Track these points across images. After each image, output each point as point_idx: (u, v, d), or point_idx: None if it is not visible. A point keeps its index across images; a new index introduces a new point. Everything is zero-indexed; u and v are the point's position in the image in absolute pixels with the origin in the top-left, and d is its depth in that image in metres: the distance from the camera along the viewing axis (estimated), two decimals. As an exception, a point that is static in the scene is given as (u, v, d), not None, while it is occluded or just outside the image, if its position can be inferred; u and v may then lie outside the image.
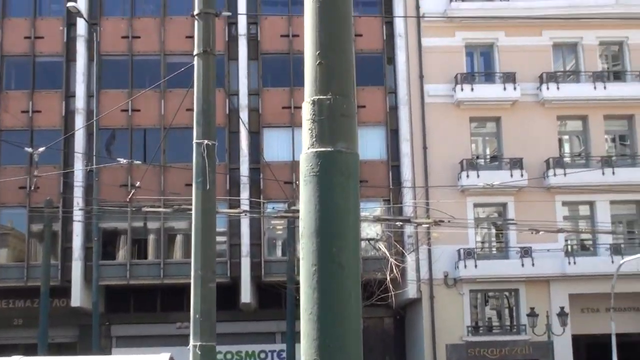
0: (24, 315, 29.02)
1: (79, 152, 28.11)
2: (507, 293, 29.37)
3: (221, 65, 27.70)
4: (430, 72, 29.51)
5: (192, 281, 8.63)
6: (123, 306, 29.79)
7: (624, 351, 27.60)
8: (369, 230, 26.26)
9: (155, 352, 15.33)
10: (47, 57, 29.69)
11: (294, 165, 27.98)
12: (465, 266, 27.88)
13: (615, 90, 29.56)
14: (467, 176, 28.23)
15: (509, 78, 29.25)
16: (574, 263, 27.98)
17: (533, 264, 27.82)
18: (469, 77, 29.62)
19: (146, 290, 29.38)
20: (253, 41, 29.77)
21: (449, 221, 17.72)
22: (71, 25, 29.51)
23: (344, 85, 3.40)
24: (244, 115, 28.71)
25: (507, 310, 29.51)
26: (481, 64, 30.57)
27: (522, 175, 28.09)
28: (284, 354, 26.91)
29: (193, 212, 8.84)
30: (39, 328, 23.94)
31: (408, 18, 29.23)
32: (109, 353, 28.38)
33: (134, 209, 21.31)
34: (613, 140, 30.92)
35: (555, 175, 28.16)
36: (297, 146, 28.27)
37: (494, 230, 30.54)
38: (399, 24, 29.68)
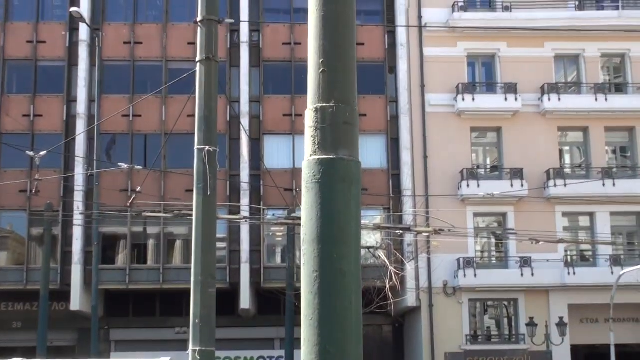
0: (23, 319, 29.02)
1: (79, 156, 28.15)
2: (506, 302, 29.36)
3: (223, 72, 27.74)
4: (431, 81, 29.57)
5: (192, 286, 8.66)
6: (122, 310, 29.79)
7: (622, 362, 27.61)
8: (369, 238, 26.27)
9: (153, 357, 15.33)
10: (49, 62, 29.74)
11: (294, 173, 28.01)
12: (464, 275, 27.88)
13: (616, 102, 29.60)
14: (468, 186, 28.26)
15: (511, 89, 29.30)
16: (574, 273, 27.98)
17: (532, 274, 27.82)
18: (470, 87, 29.67)
19: (145, 295, 29.38)
20: (255, 48, 29.83)
21: (449, 230, 17.73)
22: (74, 30, 29.58)
23: (346, 93, 3.43)
24: (244, 122, 28.75)
25: (506, 320, 29.50)
26: (483, 74, 30.64)
27: (522, 186, 28.11)
28: (282, 361, 26.90)
29: (194, 217, 8.87)
30: (38, 331, 23.94)
31: (410, 28, 29.30)
32: (108, 357, 28.39)
33: (134, 213, 21.33)
34: (614, 151, 30.95)
35: (555, 186, 28.19)
36: (298, 153, 28.31)
37: (493, 240, 30.55)
38: (401, 34, 29.75)
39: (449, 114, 29.37)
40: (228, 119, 28.82)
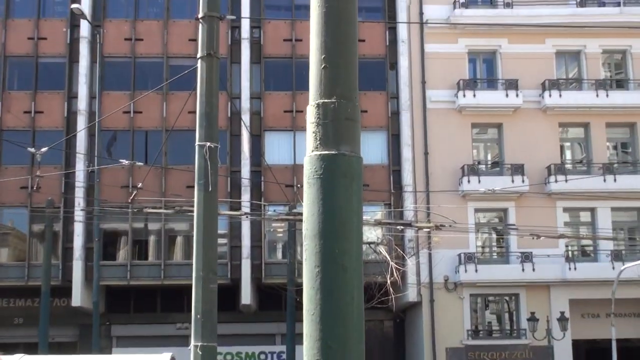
0: (25, 315, 29.07)
1: (80, 152, 28.16)
2: (507, 297, 29.39)
3: (224, 68, 27.73)
4: (432, 77, 29.57)
5: (193, 282, 8.68)
6: (123, 306, 29.83)
7: (623, 357, 27.63)
8: (370, 233, 26.29)
9: (154, 353, 15.36)
10: (50, 58, 29.73)
11: (295, 169, 28.02)
12: (465, 270, 27.90)
13: (617, 98, 29.60)
14: (469, 181, 28.27)
15: (512, 85, 29.29)
16: (575, 269, 28.01)
17: (533, 269, 27.85)
18: (471, 84, 29.66)
19: (146, 291, 29.42)
20: (256, 45, 29.82)
21: (449, 226, 17.75)
22: (74, 27, 29.57)
23: (348, 89, 3.44)
24: (245, 118, 28.75)
25: (507, 315, 29.53)
26: (484, 71, 30.63)
27: (523, 181, 28.11)
28: (284, 356, 26.95)
29: (195, 213, 8.89)
30: (40, 327, 23.98)
31: (411, 24, 29.29)
32: (109, 353, 28.41)
33: (135, 210, 21.36)
34: (615, 147, 30.96)
35: (556, 181, 28.20)
36: (299, 149, 28.32)
37: (494, 235, 30.57)
38: (402, 30, 29.74)
39: (450, 110, 29.37)
40: (229, 115, 28.82)
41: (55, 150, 23.84)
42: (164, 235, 28.60)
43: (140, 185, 18.52)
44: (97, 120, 26.50)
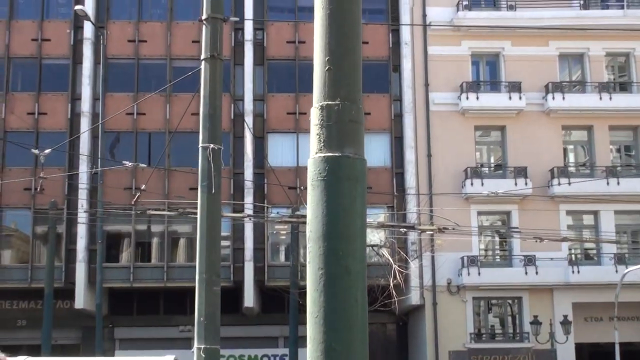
0: (28, 317, 29.07)
1: (84, 154, 28.18)
2: (510, 301, 29.35)
3: (227, 70, 27.73)
4: (435, 80, 29.56)
5: (196, 284, 8.67)
6: (126, 309, 29.83)
7: (626, 360, 27.60)
8: (373, 236, 26.28)
9: (157, 355, 15.36)
10: (53, 60, 29.77)
11: (298, 171, 28.02)
12: (468, 273, 27.87)
13: (621, 101, 29.56)
14: (472, 184, 28.25)
15: (515, 87, 29.27)
16: (578, 272, 27.97)
17: (537, 273, 27.81)
18: (474, 86, 29.65)
19: (149, 293, 29.42)
20: (259, 47, 29.83)
21: (452, 228, 17.73)
22: (78, 28, 29.61)
23: (352, 92, 3.44)
24: (249, 120, 28.76)
25: (510, 318, 29.49)
26: (487, 73, 30.61)
27: (526, 184, 28.09)
28: (287, 359, 26.92)
29: (198, 215, 8.88)
30: (43, 329, 23.99)
31: (414, 26, 29.28)
32: (112, 355, 28.42)
33: (138, 211, 21.37)
34: (618, 150, 30.92)
35: (559, 184, 28.16)
36: (302, 152, 28.31)
37: (497, 238, 30.53)
38: (405, 32, 29.73)
39: (453, 113, 29.35)
40: (232, 117, 28.84)
41: (58, 151, 23.87)
42: (167, 238, 28.60)
43: (143, 187, 18.53)
44: (100, 121, 26.51)
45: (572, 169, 29.61)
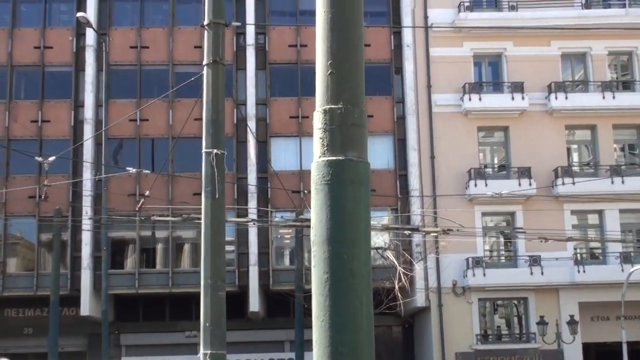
0: (34, 325, 29.08)
1: (87, 161, 28.22)
2: (516, 301, 29.30)
3: (229, 75, 27.76)
4: (438, 81, 29.55)
5: (201, 290, 8.67)
6: (132, 315, 29.83)
7: (634, 359, 27.50)
8: (377, 239, 26.27)
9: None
10: (56, 67, 29.83)
11: (301, 175, 28.02)
12: (473, 275, 27.84)
13: (624, 99, 29.52)
14: (475, 185, 28.22)
15: (517, 88, 29.25)
16: (584, 271, 27.92)
17: (542, 273, 27.76)
18: (477, 87, 29.63)
19: (155, 299, 29.42)
20: (261, 51, 29.86)
21: (457, 230, 17.71)
22: (80, 36, 29.66)
23: (355, 95, 3.44)
24: (251, 124, 28.78)
25: (516, 319, 29.44)
26: (489, 74, 30.59)
27: (530, 184, 28.05)
28: (293, 363, 26.89)
29: (202, 221, 8.88)
30: (49, 337, 24.00)
31: (416, 28, 29.28)
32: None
33: (142, 218, 21.38)
34: (622, 149, 30.86)
35: (564, 184, 28.12)
36: (305, 155, 28.32)
37: (502, 239, 30.49)
38: (407, 34, 29.74)
39: (456, 114, 29.34)
40: (235, 121, 28.86)
41: (62, 159, 23.90)
42: (171, 243, 28.62)
43: (147, 193, 18.54)
44: (103, 128, 26.55)
45: (576, 169, 29.56)
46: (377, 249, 24.60)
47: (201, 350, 8.50)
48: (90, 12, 28.69)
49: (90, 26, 26.90)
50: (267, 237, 28.40)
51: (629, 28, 28.86)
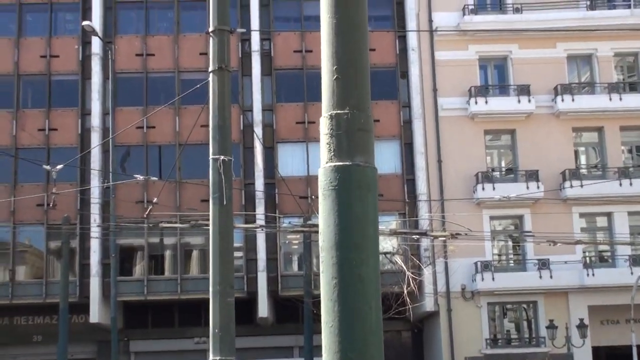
0: (43, 332, 29.14)
1: (95, 169, 28.29)
2: (525, 305, 29.22)
3: (235, 81, 27.80)
4: (444, 85, 29.53)
5: (210, 296, 8.67)
6: (141, 322, 29.85)
7: (644, 363, 27.39)
8: (385, 243, 26.22)
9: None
10: (62, 76, 29.93)
11: (308, 180, 28.02)
12: (482, 279, 27.77)
13: (630, 101, 29.44)
14: (483, 189, 28.18)
15: (524, 90, 29.20)
16: (593, 275, 27.82)
17: (551, 276, 27.68)
18: (483, 90, 29.60)
19: (164, 306, 29.44)
20: (266, 57, 29.90)
21: (465, 234, 17.67)
22: (86, 44, 29.77)
23: (361, 100, 3.44)
24: (258, 130, 28.80)
25: (525, 323, 29.35)
26: (495, 77, 30.56)
27: (538, 187, 27.98)
28: (302, 369, 26.85)
29: (210, 227, 8.88)
30: (59, 344, 24.03)
31: (421, 32, 29.28)
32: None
33: (150, 225, 21.40)
34: (629, 151, 30.77)
35: (571, 186, 28.06)
36: (312, 161, 28.33)
37: (510, 243, 30.42)
38: (412, 38, 29.74)
39: (462, 118, 29.31)
40: (241, 128, 28.90)
41: (70, 167, 23.96)
42: (179, 250, 28.64)
43: (155, 200, 18.57)
44: (110, 136, 26.60)
45: (583, 171, 29.49)
46: (385, 253, 24.54)
47: (210, 357, 8.49)
48: (96, 21, 28.81)
49: (96, 34, 27.00)
50: (275, 243, 28.40)
51: (634, 29, 28.81)
